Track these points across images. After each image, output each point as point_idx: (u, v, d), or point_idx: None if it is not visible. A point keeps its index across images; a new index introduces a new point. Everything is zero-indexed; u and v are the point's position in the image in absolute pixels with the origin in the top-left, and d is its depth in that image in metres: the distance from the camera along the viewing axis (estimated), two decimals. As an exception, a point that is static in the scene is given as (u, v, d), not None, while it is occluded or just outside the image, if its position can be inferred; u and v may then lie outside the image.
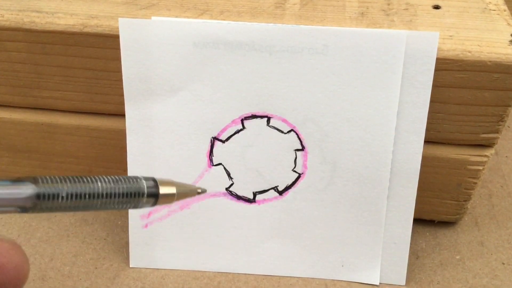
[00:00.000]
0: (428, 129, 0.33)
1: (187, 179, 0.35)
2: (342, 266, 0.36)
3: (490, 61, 0.31)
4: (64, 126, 0.38)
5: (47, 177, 0.18)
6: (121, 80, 0.33)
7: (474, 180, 0.36)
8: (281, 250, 0.36)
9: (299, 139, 0.34)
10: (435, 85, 0.31)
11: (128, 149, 0.35)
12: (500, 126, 0.33)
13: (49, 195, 0.18)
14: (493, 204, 0.42)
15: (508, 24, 0.33)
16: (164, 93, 0.33)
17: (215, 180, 0.35)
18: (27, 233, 0.39)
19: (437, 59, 0.31)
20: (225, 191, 0.35)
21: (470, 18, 0.33)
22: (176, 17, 0.33)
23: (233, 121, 0.34)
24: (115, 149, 0.38)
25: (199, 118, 0.34)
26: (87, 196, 0.19)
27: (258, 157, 0.34)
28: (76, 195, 0.18)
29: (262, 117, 0.34)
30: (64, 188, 0.18)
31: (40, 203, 0.17)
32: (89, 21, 0.33)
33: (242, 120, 0.34)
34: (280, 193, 0.35)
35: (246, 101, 0.33)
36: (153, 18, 0.32)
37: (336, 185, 0.34)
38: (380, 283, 0.36)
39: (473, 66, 0.31)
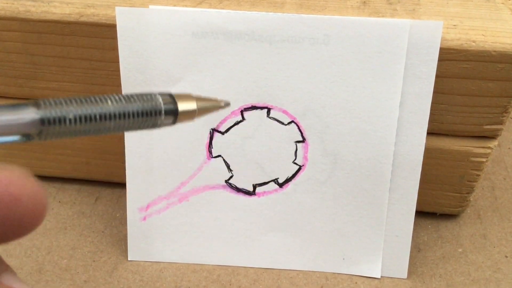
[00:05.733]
0: (431, 121, 0.32)
1: (186, 171, 0.34)
2: (343, 259, 0.36)
3: (494, 51, 0.30)
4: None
5: (51, 100, 0.16)
6: (118, 70, 0.33)
7: (477, 172, 0.36)
8: (281, 243, 0.36)
9: (300, 130, 0.33)
10: (439, 76, 0.31)
11: (126, 140, 0.34)
12: (504, 118, 0.33)
13: (54, 119, 0.16)
14: (496, 197, 0.42)
15: (513, 13, 0.32)
16: (162, 83, 0.33)
17: (214, 172, 0.35)
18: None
19: (441, 49, 0.30)
20: (225, 184, 0.35)
21: (474, 7, 0.33)
22: (174, 5, 0.32)
23: (233, 112, 0.33)
24: (113, 140, 0.38)
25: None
26: (97, 117, 0.17)
27: (258, 149, 0.34)
28: (85, 117, 0.16)
29: (262, 108, 0.33)
30: (71, 110, 0.16)
31: (45, 129, 0.16)
32: (86, 10, 0.32)
33: (241, 111, 0.33)
34: (280, 185, 0.35)
35: (246, 92, 0.33)
36: (151, 6, 0.31)
37: (337, 177, 0.34)
38: (381, 276, 0.36)
39: (477, 56, 0.30)
